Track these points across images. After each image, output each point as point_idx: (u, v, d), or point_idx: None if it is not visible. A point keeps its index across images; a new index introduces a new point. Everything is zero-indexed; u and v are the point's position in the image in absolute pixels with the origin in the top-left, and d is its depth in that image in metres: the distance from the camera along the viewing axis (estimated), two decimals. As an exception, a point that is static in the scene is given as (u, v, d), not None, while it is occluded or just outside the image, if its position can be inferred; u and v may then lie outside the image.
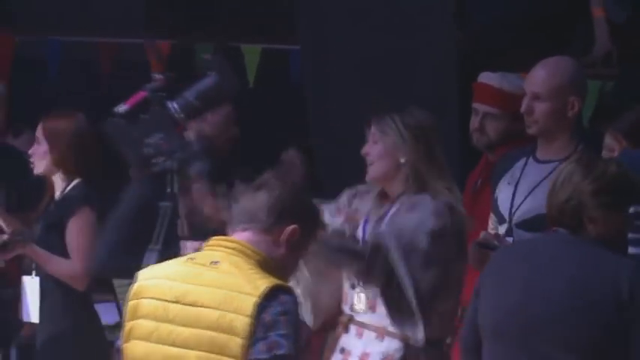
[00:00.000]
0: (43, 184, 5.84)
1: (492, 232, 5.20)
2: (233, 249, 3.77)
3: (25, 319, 5.77)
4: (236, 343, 3.62)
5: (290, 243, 3.83)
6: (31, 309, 5.68)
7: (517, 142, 5.43)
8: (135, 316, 3.75)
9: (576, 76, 5.24)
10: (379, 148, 4.97)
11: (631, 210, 4.55)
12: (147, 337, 3.72)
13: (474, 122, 5.51)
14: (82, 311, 5.65)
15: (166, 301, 3.71)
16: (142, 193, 5.16)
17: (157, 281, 3.77)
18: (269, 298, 3.65)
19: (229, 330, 3.64)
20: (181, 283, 3.75)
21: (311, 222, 3.93)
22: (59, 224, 5.58)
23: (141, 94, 4.82)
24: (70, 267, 5.55)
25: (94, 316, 5.76)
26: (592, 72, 5.97)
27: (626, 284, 4.24)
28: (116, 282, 6.15)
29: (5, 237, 5.53)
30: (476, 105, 5.51)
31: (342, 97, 6.27)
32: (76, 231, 5.56)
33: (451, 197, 4.84)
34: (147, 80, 7.17)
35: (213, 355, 3.67)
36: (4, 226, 5.85)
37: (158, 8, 8.10)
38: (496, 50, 6.12)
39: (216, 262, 3.75)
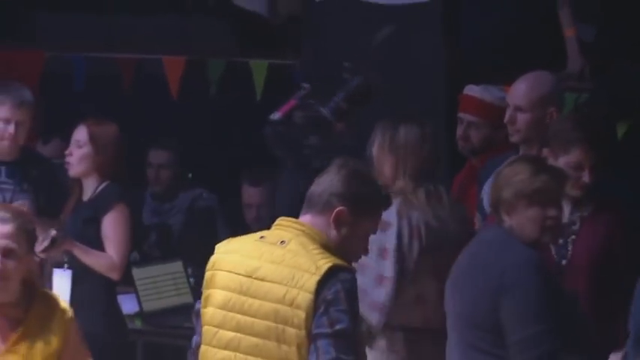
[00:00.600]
0: (68, 187, 5.89)
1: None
2: (300, 230, 3.86)
3: None
4: (299, 316, 3.72)
5: (338, 224, 3.87)
6: (62, 294, 5.60)
7: (498, 149, 5.48)
8: (211, 286, 3.89)
9: (554, 90, 5.30)
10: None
11: None
12: (222, 306, 3.85)
13: (459, 130, 5.59)
14: (108, 301, 5.72)
15: (240, 274, 3.82)
16: (298, 188, 5.15)
17: (232, 256, 3.88)
18: (329, 276, 3.74)
19: (294, 304, 3.75)
20: (253, 259, 3.85)
21: (362, 204, 3.90)
22: (95, 220, 5.65)
23: (292, 103, 4.98)
24: (108, 259, 5.62)
25: (118, 306, 5.82)
26: (567, 85, 5.91)
27: (498, 273, 4.35)
28: (136, 274, 6.32)
29: (54, 233, 5.54)
30: (461, 115, 5.61)
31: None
32: (113, 225, 5.62)
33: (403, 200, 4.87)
34: (165, 94, 7.24)
35: (279, 325, 3.78)
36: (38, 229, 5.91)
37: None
38: (480, 66, 6.06)
39: (283, 242, 3.86)
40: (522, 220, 4.34)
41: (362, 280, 4.67)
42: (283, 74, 7.11)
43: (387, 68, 6.13)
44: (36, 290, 4.06)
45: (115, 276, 5.64)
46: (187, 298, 6.49)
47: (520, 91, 5.23)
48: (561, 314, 4.42)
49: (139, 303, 6.34)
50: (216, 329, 3.85)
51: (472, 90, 5.62)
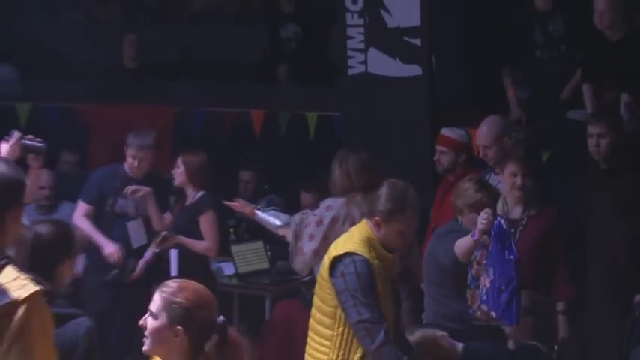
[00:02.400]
0: (173, 193, 6.01)
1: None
2: (361, 227, 3.94)
3: (172, 274, 5.82)
4: (326, 276, 3.89)
5: (378, 228, 3.86)
6: (172, 268, 5.81)
7: (463, 170, 5.54)
8: None
9: (504, 126, 5.48)
10: None
11: None
12: None
13: (435, 157, 5.68)
14: (203, 268, 5.83)
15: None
16: None
17: None
18: (340, 258, 3.83)
19: (325, 269, 3.89)
20: (333, 244, 4.02)
21: (390, 215, 3.85)
22: (194, 219, 5.77)
23: None
24: (206, 245, 5.79)
25: (211, 270, 5.97)
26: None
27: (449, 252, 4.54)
28: (233, 249, 6.52)
29: (164, 233, 5.73)
30: (437, 147, 5.68)
31: (365, 143, 6.12)
32: (208, 224, 5.77)
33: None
34: (251, 133, 7.20)
35: (321, 280, 3.94)
36: (161, 222, 5.88)
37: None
38: (451, 116, 6.01)
39: (350, 230, 4.02)
40: (466, 220, 4.56)
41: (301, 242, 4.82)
42: (327, 121, 7.14)
43: (390, 118, 6.26)
44: None
45: (211, 254, 5.84)
46: (265, 265, 6.66)
47: (483, 133, 5.37)
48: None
49: (235, 267, 6.52)
50: None
51: (444, 131, 5.72)
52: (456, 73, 6.43)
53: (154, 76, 7.86)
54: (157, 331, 2.84)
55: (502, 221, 4.34)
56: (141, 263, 5.89)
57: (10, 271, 2.66)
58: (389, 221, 3.86)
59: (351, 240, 3.89)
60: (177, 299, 2.85)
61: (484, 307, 4.32)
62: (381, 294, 3.86)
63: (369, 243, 3.86)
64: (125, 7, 8.47)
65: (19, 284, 2.64)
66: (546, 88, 6.17)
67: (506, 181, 4.88)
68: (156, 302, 2.86)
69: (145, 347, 2.85)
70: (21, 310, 2.60)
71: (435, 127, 5.97)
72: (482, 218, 4.30)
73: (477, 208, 4.50)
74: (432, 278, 4.65)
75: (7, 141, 4.26)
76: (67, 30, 7.91)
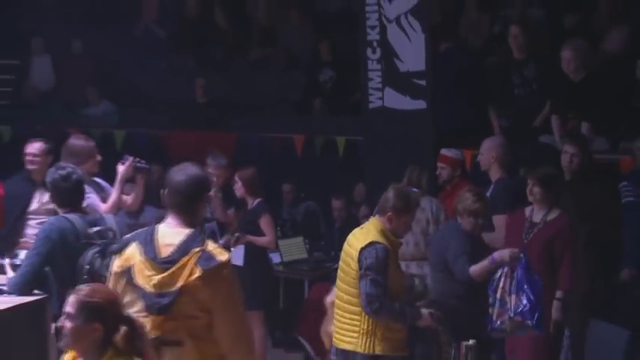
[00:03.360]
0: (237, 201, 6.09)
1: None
2: (373, 221, 3.97)
3: (235, 263, 5.49)
4: (354, 264, 3.91)
5: (390, 222, 3.89)
6: (239, 259, 5.75)
7: (458, 181, 5.71)
8: None
9: (498, 146, 5.50)
10: None
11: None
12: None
13: (437, 172, 5.82)
14: (263, 259, 5.90)
15: (345, 243, 4.09)
16: None
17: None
18: (367, 246, 3.86)
19: (353, 259, 3.92)
20: (351, 235, 4.04)
21: (400, 210, 3.88)
22: (254, 222, 5.79)
23: None
24: (267, 240, 5.79)
25: (269, 260, 6.05)
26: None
27: (441, 237, 4.56)
28: (280, 243, 6.54)
29: (237, 234, 5.71)
30: (438, 163, 5.84)
31: (383, 161, 6.28)
32: (266, 224, 5.78)
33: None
34: (294, 153, 7.16)
35: (348, 268, 3.96)
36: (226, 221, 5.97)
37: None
38: (449, 140, 6.04)
39: (362, 227, 4.02)
40: (465, 222, 4.55)
41: None
42: (353, 144, 7.12)
43: (402, 142, 6.30)
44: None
45: (271, 247, 5.94)
46: (305, 255, 6.75)
47: (484, 144, 5.52)
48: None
49: (281, 257, 6.62)
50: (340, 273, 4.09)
51: (443, 151, 5.87)
52: (453, 106, 6.48)
53: (219, 110, 7.95)
54: (76, 330, 2.63)
55: (522, 256, 4.32)
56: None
57: (210, 243, 2.93)
58: (399, 215, 3.91)
59: (370, 233, 3.93)
60: (93, 299, 2.66)
61: (518, 318, 4.28)
62: (392, 273, 3.94)
63: (383, 234, 3.90)
64: (197, 57, 8.65)
65: (219, 251, 2.93)
66: (523, 118, 6.23)
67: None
68: (73, 304, 2.65)
69: (63, 344, 2.67)
70: (225, 269, 2.89)
71: (436, 148, 6.09)
72: (508, 255, 4.27)
73: (473, 214, 4.52)
74: (436, 266, 4.64)
75: (123, 163, 4.45)
76: (153, 74, 8.17)
